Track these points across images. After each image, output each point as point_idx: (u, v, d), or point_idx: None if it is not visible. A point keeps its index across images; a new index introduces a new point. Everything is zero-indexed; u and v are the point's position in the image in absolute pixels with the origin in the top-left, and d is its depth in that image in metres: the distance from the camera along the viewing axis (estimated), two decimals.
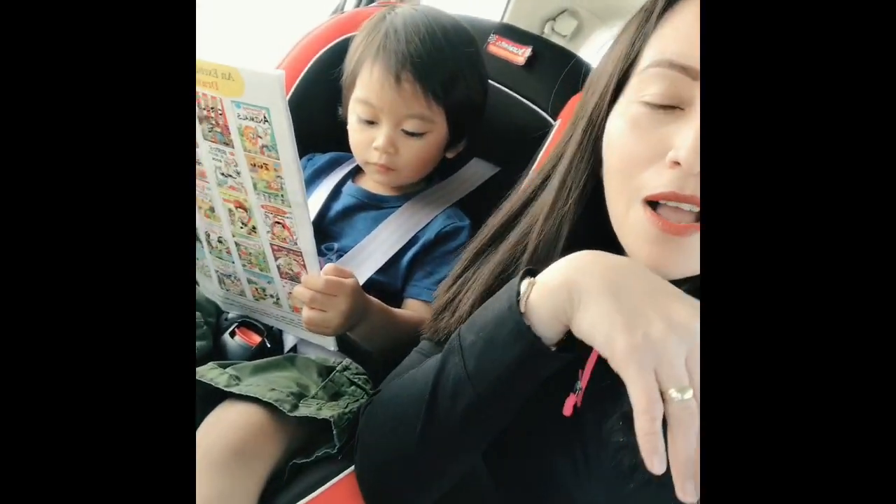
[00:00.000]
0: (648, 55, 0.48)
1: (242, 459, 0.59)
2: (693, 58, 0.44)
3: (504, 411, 0.50)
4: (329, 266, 0.70)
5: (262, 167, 0.63)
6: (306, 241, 0.67)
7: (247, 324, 0.77)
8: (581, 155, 0.53)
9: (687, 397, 0.38)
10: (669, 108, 0.46)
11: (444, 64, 0.79)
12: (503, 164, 0.93)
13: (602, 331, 0.41)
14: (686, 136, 0.43)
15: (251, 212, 0.68)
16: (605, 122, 0.51)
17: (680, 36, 0.46)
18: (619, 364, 0.40)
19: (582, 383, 0.54)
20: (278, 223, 0.67)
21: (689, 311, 0.40)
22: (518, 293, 0.47)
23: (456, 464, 0.56)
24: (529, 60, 0.91)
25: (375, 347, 0.77)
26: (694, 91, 0.45)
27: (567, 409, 0.55)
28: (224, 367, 0.67)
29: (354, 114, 0.82)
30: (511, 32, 0.96)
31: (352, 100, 0.83)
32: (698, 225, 0.44)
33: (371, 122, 0.81)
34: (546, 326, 0.45)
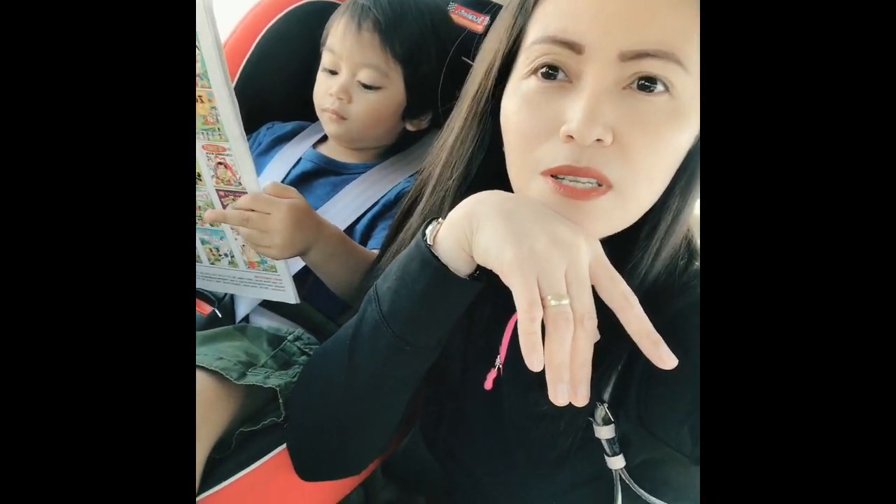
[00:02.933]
0: (533, 32, 0.48)
1: None
2: (575, 33, 0.45)
3: (422, 349, 0.52)
4: (268, 184, 0.69)
5: (198, 101, 0.63)
6: (249, 178, 0.66)
7: (199, 294, 0.78)
8: (466, 132, 0.55)
9: (563, 303, 0.41)
10: (558, 82, 0.46)
11: (406, 25, 0.81)
12: None
13: (495, 247, 0.44)
14: (576, 109, 0.44)
15: (195, 156, 0.67)
16: (490, 100, 0.52)
17: (560, 12, 0.46)
18: (506, 273, 0.43)
19: (500, 359, 0.55)
20: (220, 164, 0.66)
21: (571, 230, 0.44)
22: (424, 234, 0.50)
23: (380, 414, 0.58)
24: (487, 29, 0.91)
25: (336, 282, 0.76)
26: (580, 65, 0.45)
27: (488, 384, 0.56)
28: None
29: (322, 64, 0.85)
30: (470, 1, 0.95)
31: (322, 51, 0.86)
32: (601, 190, 0.46)
33: (333, 73, 0.84)
34: (452, 256, 0.48)
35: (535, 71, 0.47)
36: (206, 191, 0.69)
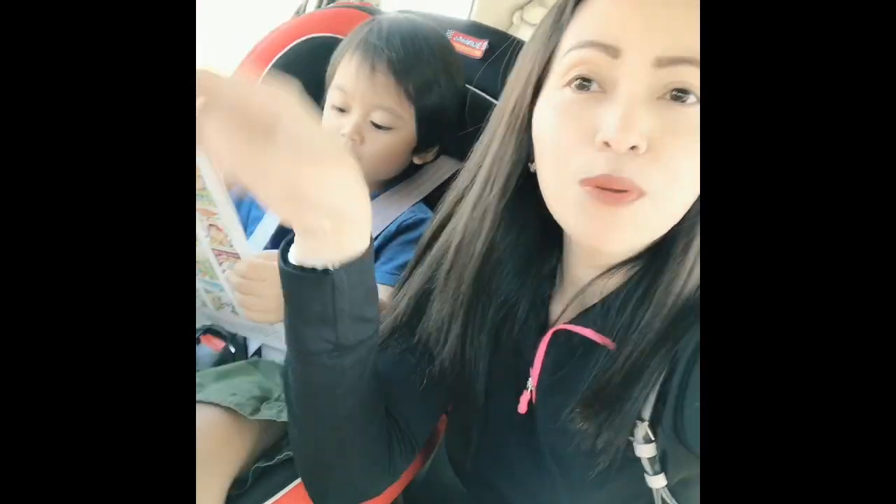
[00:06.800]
0: (567, 44, 0.48)
1: (203, 465, 0.60)
2: (612, 36, 0.45)
3: (314, 355, 0.50)
4: (262, 252, 0.69)
5: None
6: (239, 241, 0.66)
7: (211, 330, 0.78)
8: (505, 148, 0.54)
9: None
10: (592, 92, 0.46)
11: (420, 67, 0.80)
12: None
13: None
14: (612, 116, 0.44)
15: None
16: (527, 115, 0.52)
17: (596, 20, 0.47)
18: None
19: (533, 381, 0.55)
20: (213, 226, 0.67)
21: None
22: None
23: (334, 433, 0.56)
24: (486, 53, 0.92)
25: None
26: (614, 71, 0.45)
27: (522, 407, 0.56)
28: None
29: (329, 101, 0.84)
30: (469, 28, 0.96)
31: (329, 88, 0.85)
32: (636, 194, 0.45)
33: (342, 111, 0.82)
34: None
35: (568, 83, 0.47)
36: (203, 248, 0.70)
